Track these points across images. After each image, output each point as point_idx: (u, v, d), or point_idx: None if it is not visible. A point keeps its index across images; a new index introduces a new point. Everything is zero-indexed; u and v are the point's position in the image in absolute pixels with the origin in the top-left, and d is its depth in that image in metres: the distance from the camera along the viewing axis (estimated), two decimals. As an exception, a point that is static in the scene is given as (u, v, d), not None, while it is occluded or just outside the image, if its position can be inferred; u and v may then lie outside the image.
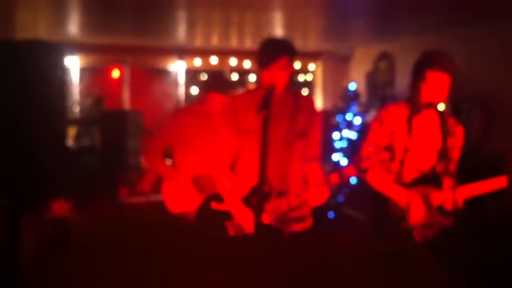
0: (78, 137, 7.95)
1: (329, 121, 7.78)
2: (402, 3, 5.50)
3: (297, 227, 3.20)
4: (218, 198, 3.20)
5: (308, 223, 3.29)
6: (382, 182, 3.29)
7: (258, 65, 3.13)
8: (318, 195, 2.97)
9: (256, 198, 2.82)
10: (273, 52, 3.05)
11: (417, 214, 3.18)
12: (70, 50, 7.94)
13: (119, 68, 8.55)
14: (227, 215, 3.15)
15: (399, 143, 3.26)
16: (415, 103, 3.25)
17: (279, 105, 3.06)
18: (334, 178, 2.85)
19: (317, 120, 3.30)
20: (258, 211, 2.84)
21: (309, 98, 3.43)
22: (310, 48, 9.13)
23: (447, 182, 3.21)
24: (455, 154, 3.33)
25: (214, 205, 3.21)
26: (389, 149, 3.13)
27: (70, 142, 7.82)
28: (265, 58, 3.07)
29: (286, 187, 3.10)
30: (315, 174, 3.20)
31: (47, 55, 4.47)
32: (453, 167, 3.30)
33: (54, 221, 1.55)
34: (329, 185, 2.88)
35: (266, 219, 3.00)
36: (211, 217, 3.22)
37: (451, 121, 3.32)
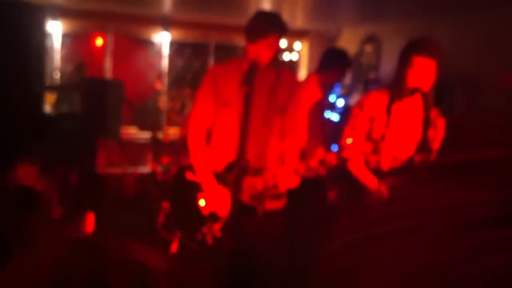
0: (57, 103, 7.83)
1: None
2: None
3: (271, 205, 3.17)
4: (193, 169, 3.17)
5: (283, 202, 3.27)
6: (360, 170, 3.28)
7: (246, 38, 3.08)
8: (288, 181, 2.93)
9: (234, 174, 2.78)
10: (263, 28, 3.00)
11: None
12: (53, 15, 7.78)
13: (102, 36, 8.39)
14: (201, 187, 3.13)
15: (377, 129, 3.23)
16: (398, 89, 3.22)
17: (260, 81, 3.01)
18: (314, 163, 2.81)
19: (296, 95, 3.26)
20: (236, 187, 2.79)
21: (292, 75, 3.39)
22: (297, 27, 9.05)
23: (425, 174, 3.19)
24: (435, 146, 3.30)
25: (189, 176, 3.18)
26: (371, 139, 3.09)
27: (49, 108, 7.70)
28: (253, 33, 3.02)
29: (263, 165, 3.06)
30: (291, 154, 3.16)
31: (27, 17, 4.36)
32: (432, 158, 3.27)
33: (17, 189, 1.45)
34: (309, 171, 2.84)
35: (242, 195, 2.96)
36: (185, 188, 3.19)
37: (434, 112, 3.28)
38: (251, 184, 2.98)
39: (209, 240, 3.05)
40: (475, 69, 6.06)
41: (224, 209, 3.00)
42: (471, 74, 6.06)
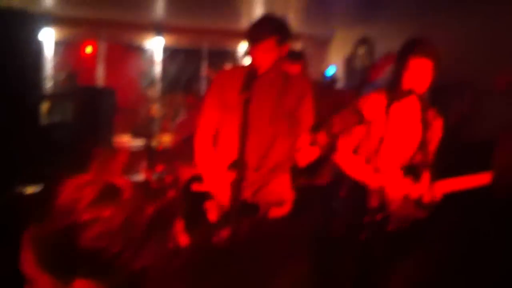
0: (50, 112, 7.77)
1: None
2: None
3: (275, 212, 3.16)
4: (199, 179, 3.16)
5: (286, 208, 3.24)
6: (353, 165, 3.25)
7: (247, 43, 3.10)
8: (307, 155, 2.90)
9: (235, 175, 2.78)
10: (259, 32, 3.01)
11: (396, 197, 3.14)
12: (45, 22, 7.71)
13: (94, 43, 8.34)
14: (207, 196, 3.11)
15: (375, 132, 3.21)
16: (395, 90, 3.20)
17: (266, 85, 3.05)
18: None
19: (308, 102, 3.22)
20: (237, 187, 2.83)
21: (302, 80, 3.35)
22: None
23: (425, 174, 3.17)
24: (432, 147, 3.29)
25: (195, 187, 3.17)
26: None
27: (42, 117, 7.63)
28: (250, 37, 3.04)
29: (266, 164, 3.06)
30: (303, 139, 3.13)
31: (23, 25, 4.29)
32: (430, 159, 3.26)
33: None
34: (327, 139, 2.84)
35: (243, 194, 2.95)
36: (193, 199, 3.18)
37: (431, 112, 3.27)
38: (253, 181, 2.97)
39: (220, 247, 3.05)
40: (469, 71, 6.04)
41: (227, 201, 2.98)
42: (466, 76, 6.04)
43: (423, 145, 3.22)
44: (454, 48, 6.07)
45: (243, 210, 2.93)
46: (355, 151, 3.28)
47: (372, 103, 3.25)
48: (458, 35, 6.24)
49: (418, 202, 3.15)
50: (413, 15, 6.79)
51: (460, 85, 6.00)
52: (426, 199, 3.11)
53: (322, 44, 9.21)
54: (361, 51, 8.39)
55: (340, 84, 8.18)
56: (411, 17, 6.90)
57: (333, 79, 7.87)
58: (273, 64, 3.06)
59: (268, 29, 3.03)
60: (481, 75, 5.89)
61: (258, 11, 7.06)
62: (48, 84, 8.06)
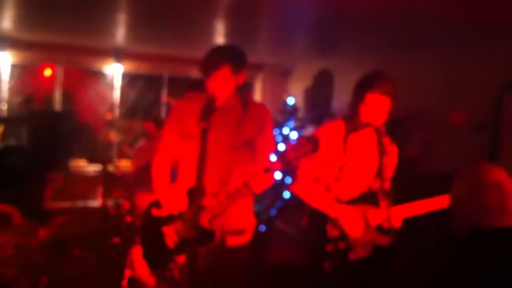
0: (4, 136, 7.60)
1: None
2: (345, 22, 5.53)
3: (234, 241, 3.12)
4: (158, 204, 3.12)
5: (247, 237, 3.22)
6: (312, 194, 3.26)
7: (201, 73, 3.05)
8: (262, 182, 2.88)
9: (192, 204, 2.75)
10: (212, 62, 2.98)
11: (354, 228, 3.15)
12: (2, 46, 7.59)
13: (52, 67, 8.23)
14: (167, 220, 3.06)
15: (334, 160, 3.24)
16: (353, 122, 3.25)
17: (224, 113, 3.02)
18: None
19: (267, 129, 3.21)
20: (195, 215, 2.80)
21: (261, 107, 3.33)
22: (251, 60, 9.07)
23: (384, 201, 3.20)
24: (389, 173, 3.34)
25: (155, 212, 3.12)
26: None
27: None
28: (205, 67, 3.00)
29: (225, 191, 3.02)
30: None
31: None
32: (387, 185, 3.30)
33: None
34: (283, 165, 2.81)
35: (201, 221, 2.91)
36: (152, 225, 3.13)
37: (386, 140, 3.33)
38: (209, 208, 2.93)
39: (177, 276, 2.98)
40: (428, 105, 6.16)
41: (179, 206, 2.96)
42: (424, 111, 6.16)
43: (380, 171, 3.27)
44: (411, 83, 6.20)
45: (200, 237, 2.88)
46: (315, 180, 3.29)
47: (331, 131, 3.28)
48: (415, 70, 6.37)
49: (380, 228, 3.18)
50: (372, 49, 6.91)
51: (417, 119, 6.11)
52: (386, 224, 3.14)
53: (283, 75, 9.29)
54: (321, 83, 8.48)
55: (300, 114, 8.24)
56: (370, 52, 7.02)
57: (293, 109, 7.93)
58: (231, 94, 3.05)
59: (221, 57, 2.99)
60: (438, 110, 6.02)
61: (220, 39, 7.09)
62: (3, 108, 7.91)
